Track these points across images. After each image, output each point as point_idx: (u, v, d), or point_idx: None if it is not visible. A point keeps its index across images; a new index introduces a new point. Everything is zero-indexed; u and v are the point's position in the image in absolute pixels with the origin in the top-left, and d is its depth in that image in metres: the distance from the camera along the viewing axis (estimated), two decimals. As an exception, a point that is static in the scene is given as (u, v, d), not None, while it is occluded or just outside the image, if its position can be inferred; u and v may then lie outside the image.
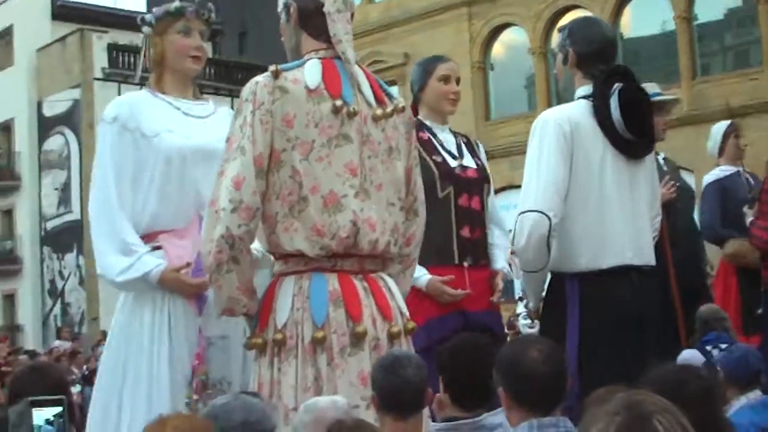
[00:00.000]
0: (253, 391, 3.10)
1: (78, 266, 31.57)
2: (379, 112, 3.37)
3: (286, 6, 3.45)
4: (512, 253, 4.59)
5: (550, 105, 20.56)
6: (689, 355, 4.60)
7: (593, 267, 3.80)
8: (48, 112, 33.13)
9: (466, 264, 4.50)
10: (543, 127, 3.86)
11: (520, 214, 3.80)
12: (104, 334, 23.39)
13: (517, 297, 4.21)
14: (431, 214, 4.23)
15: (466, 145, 4.74)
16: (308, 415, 2.75)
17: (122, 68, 32.31)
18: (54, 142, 32.85)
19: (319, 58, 3.34)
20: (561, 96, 21.46)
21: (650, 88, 5.31)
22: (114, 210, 3.70)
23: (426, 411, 3.17)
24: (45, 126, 33.27)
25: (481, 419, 3.15)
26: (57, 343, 21.58)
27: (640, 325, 3.80)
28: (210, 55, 4.05)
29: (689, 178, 6.13)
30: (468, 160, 4.65)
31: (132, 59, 32.52)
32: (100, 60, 32.19)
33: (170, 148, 3.73)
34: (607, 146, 3.85)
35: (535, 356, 2.73)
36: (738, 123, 6.88)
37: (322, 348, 3.17)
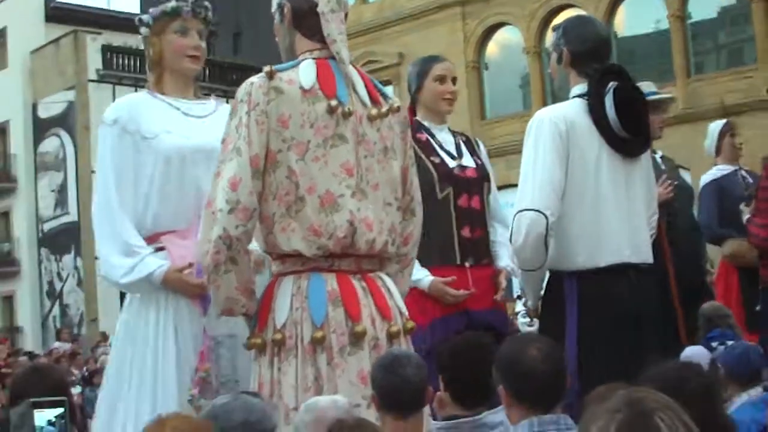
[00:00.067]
0: (253, 390, 3.11)
1: (76, 267, 31.56)
2: (374, 112, 3.37)
3: (280, 6, 3.45)
4: None
5: (545, 104, 20.59)
6: (693, 352, 4.60)
7: (591, 265, 3.80)
8: (43, 114, 33.09)
9: (467, 264, 4.50)
10: (538, 126, 3.87)
11: (517, 213, 3.81)
12: (104, 335, 23.44)
13: (515, 295, 4.20)
14: (431, 216, 4.23)
15: (465, 144, 4.74)
16: (309, 415, 2.75)
17: (116, 70, 32.29)
18: (49, 144, 32.81)
19: (314, 59, 3.34)
20: (556, 95, 21.46)
21: (646, 87, 5.31)
22: (115, 212, 3.71)
23: (427, 409, 3.17)
24: (40, 128, 33.22)
25: (482, 417, 3.16)
26: (57, 344, 21.57)
27: (638, 322, 3.80)
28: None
29: (686, 176, 6.12)
30: (467, 160, 4.65)
31: (126, 60, 32.50)
32: (94, 61, 32.13)
33: (169, 148, 3.73)
34: (602, 145, 3.86)
35: (535, 354, 2.74)
36: (733, 122, 6.87)
37: (322, 348, 3.17)
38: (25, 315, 33.21)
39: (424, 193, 4.11)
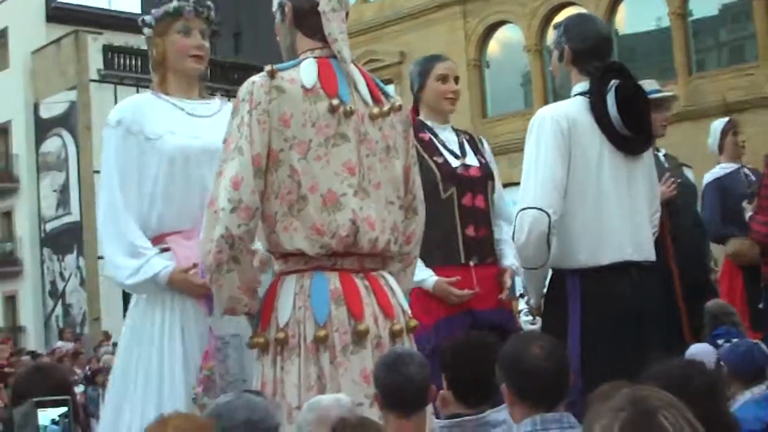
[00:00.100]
0: (256, 389, 3.11)
1: (78, 267, 31.59)
2: (375, 110, 3.37)
3: (281, 6, 3.45)
4: None
5: (546, 102, 20.56)
6: (699, 350, 4.59)
7: (593, 263, 3.80)
8: (45, 114, 33.11)
9: (472, 263, 4.50)
10: (540, 124, 3.87)
11: (519, 212, 3.81)
12: (106, 334, 23.45)
13: (518, 294, 4.19)
14: (435, 215, 4.23)
15: (469, 143, 4.73)
16: (312, 414, 2.75)
17: (118, 69, 32.31)
18: (51, 144, 32.83)
19: (315, 58, 3.34)
20: (557, 93, 21.46)
21: (649, 85, 5.31)
22: (120, 214, 3.72)
23: (429, 408, 3.17)
24: (42, 128, 33.24)
25: (485, 416, 3.15)
26: (59, 343, 21.61)
27: (640, 320, 3.81)
28: (206, 55, 4.04)
29: (689, 174, 6.11)
30: (471, 159, 4.64)
31: (128, 60, 32.51)
32: (95, 61, 32.15)
33: (173, 149, 3.73)
34: (604, 142, 3.86)
35: (537, 353, 2.73)
36: (736, 120, 6.87)
37: (325, 346, 3.17)
38: (28, 315, 33.23)
39: (428, 192, 4.10)
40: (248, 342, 3.34)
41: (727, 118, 6.80)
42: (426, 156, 4.49)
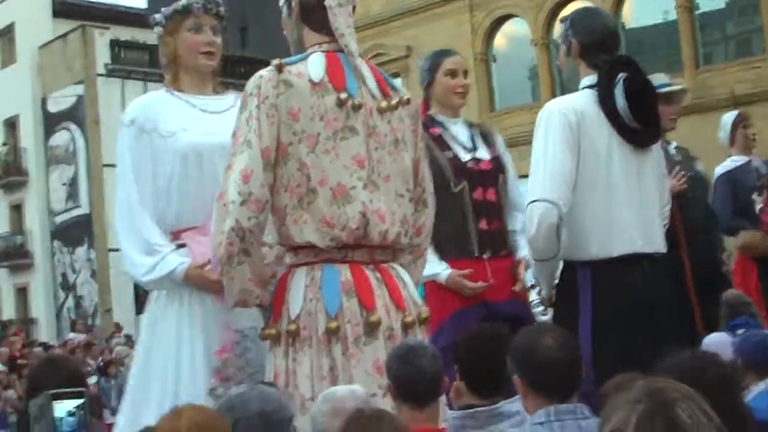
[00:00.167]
0: (269, 381, 3.12)
1: (89, 259, 31.71)
2: (384, 104, 3.38)
3: (288, 0, 3.46)
4: None
5: (553, 95, 20.53)
6: (716, 339, 4.57)
7: (604, 255, 3.80)
8: (52, 108, 33.18)
9: (485, 256, 4.51)
10: (548, 117, 3.87)
11: (529, 204, 3.81)
12: (117, 326, 23.53)
13: (529, 285, 4.19)
14: (448, 210, 4.25)
15: (480, 136, 4.74)
16: (326, 405, 2.76)
17: (125, 64, 32.35)
18: (60, 138, 32.92)
19: (323, 52, 3.35)
20: (564, 86, 21.43)
21: (659, 78, 5.30)
22: (136, 211, 3.75)
23: (443, 399, 3.18)
24: (50, 122, 33.33)
25: (499, 407, 3.16)
26: (71, 335, 21.71)
27: (652, 312, 3.80)
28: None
29: (700, 166, 6.09)
30: (482, 152, 4.65)
31: (134, 55, 32.55)
32: (102, 56, 32.21)
33: (185, 146, 3.74)
34: (613, 135, 3.85)
35: (550, 344, 2.73)
36: (746, 112, 6.85)
37: (337, 338, 3.18)
38: (39, 306, 33.39)
39: (439, 187, 4.11)
40: (260, 333, 3.35)
41: (737, 111, 6.78)
42: (436, 151, 4.50)
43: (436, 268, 4.43)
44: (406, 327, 3.32)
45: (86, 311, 31.41)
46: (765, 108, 19.00)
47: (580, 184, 3.80)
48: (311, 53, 3.35)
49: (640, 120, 3.87)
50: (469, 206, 4.51)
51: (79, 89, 32.06)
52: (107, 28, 32.72)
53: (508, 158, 4.77)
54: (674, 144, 5.61)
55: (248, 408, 2.47)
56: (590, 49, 3.96)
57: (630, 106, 3.83)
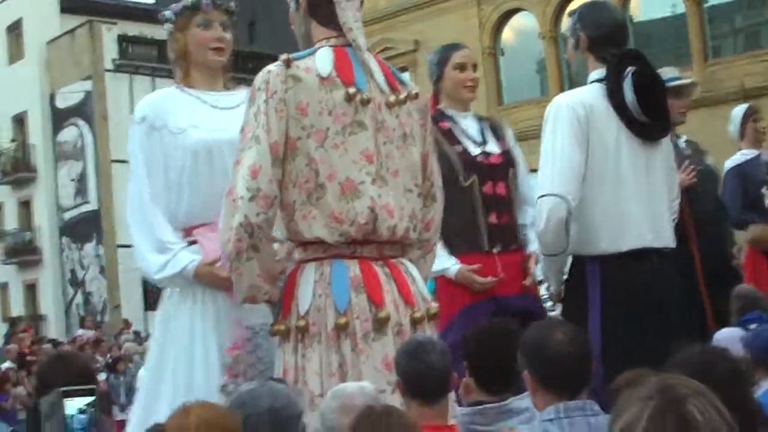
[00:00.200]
0: (278, 377, 3.12)
1: (98, 256, 31.76)
2: (392, 98, 3.37)
3: (295, -6, 3.46)
4: None
5: (561, 89, 20.49)
6: (728, 334, 4.55)
7: (613, 250, 3.80)
8: (61, 104, 33.22)
9: (495, 250, 4.51)
10: (557, 111, 3.86)
11: (538, 199, 3.81)
12: (126, 322, 23.54)
13: (539, 279, 4.19)
14: (457, 204, 4.25)
15: (490, 130, 4.73)
16: (336, 401, 2.76)
17: (133, 59, 32.39)
18: (68, 134, 32.96)
19: (331, 46, 3.34)
20: (573, 80, 21.40)
21: (669, 72, 5.29)
22: (147, 209, 3.77)
23: (452, 395, 3.18)
24: (58, 118, 33.37)
25: (508, 403, 3.15)
26: (80, 331, 21.73)
27: (661, 307, 3.80)
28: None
29: (710, 160, 6.07)
30: (491, 146, 4.64)
31: (142, 50, 32.57)
32: (110, 51, 32.26)
33: (196, 143, 3.75)
34: (621, 129, 3.84)
35: (561, 338, 2.73)
36: (756, 106, 6.82)
37: (346, 334, 3.18)
38: (48, 303, 33.46)
39: (449, 181, 4.11)
40: (269, 329, 3.34)
41: (747, 104, 6.75)
42: (446, 145, 4.49)
43: (445, 263, 4.43)
44: (415, 322, 3.31)
45: (95, 307, 31.47)
46: (774, 101, 18.93)
47: (589, 178, 3.80)
48: (319, 48, 3.34)
49: (648, 114, 3.86)
50: (478, 200, 4.51)
51: (87, 85, 32.10)
52: (115, 24, 32.75)
53: (518, 152, 4.76)
54: (684, 138, 5.59)
55: (258, 404, 2.48)
56: (598, 42, 3.95)
57: (639, 100, 3.82)
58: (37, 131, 33.95)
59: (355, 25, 3.35)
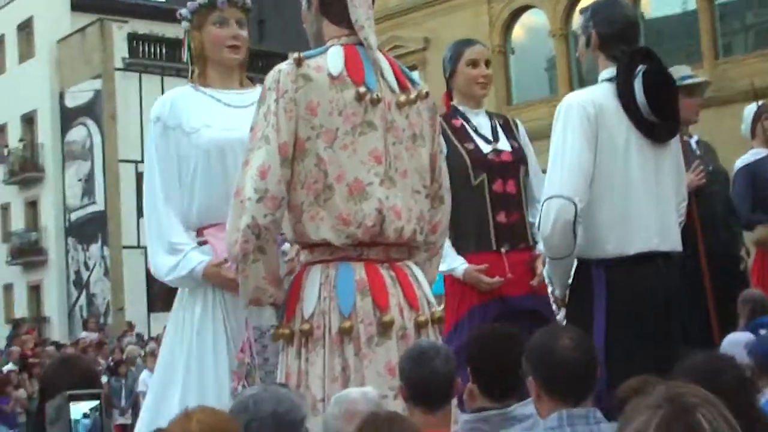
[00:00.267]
0: (281, 382, 3.11)
1: (103, 257, 31.77)
2: (402, 98, 3.36)
3: (307, -7, 3.45)
4: None
5: (571, 88, 20.44)
6: (736, 339, 4.52)
7: (619, 253, 3.77)
8: (70, 103, 33.28)
9: (504, 250, 4.49)
10: (567, 111, 3.84)
11: (545, 200, 3.79)
12: (130, 324, 23.57)
13: (547, 279, 4.18)
14: (466, 202, 4.25)
15: (503, 127, 4.71)
16: (338, 407, 2.75)
17: (143, 58, 32.46)
18: (77, 133, 32.99)
19: (342, 45, 3.33)
20: (583, 78, 21.33)
21: (682, 70, 5.27)
22: (160, 210, 3.81)
23: (454, 400, 3.15)
24: (67, 117, 33.42)
25: (512, 410, 3.13)
26: (83, 334, 21.76)
27: (667, 311, 3.77)
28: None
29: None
30: (503, 143, 4.61)
31: (152, 49, 32.63)
32: (120, 50, 32.30)
33: (208, 142, 3.77)
34: (631, 129, 3.82)
35: (567, 344, 2.71)
36: (767, 104, 6.78)
37: (350, 338, 3.17)
38: (52, 304, 33.48)
39: (459, 179, 4.10)
40: (272, 333, 3.33)
41: (759, 103, 6.72)
42: (457, 142, 4.49)
43: (453, 262, 4.43)
44: (419, 326, 3.30)
45: (98, 309, 31.46)
46: (785, 100, 18.83)
47: (597, 178, 3.77)
48: (330, 46, 3.34)
49: (658, 114, 3.83)
50: (487, 199, 4.49)
51: (97, 84, 32.15)
52: (126, 22, 32.79)
53: (530, 150, 4.74)
54: (696, 137, 5.56)
55: (261, 409, 2.47)
56: (610, 40, 3.93)
57: (648, 100, 3.80)
58: (45, 131, 34.02)
59: (366, 23, 3.34)
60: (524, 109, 24.41)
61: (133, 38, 32.60)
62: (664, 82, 3.93)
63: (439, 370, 2.94)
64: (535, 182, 4.63)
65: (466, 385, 3.24)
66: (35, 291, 34.52)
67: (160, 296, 29.61)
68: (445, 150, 4.08)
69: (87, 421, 2.21)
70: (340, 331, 3.17)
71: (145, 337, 23.10)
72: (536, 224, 4.54)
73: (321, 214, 3.22)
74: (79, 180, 32.78)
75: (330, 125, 3.21)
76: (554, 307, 4.29)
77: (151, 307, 30.26)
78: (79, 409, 2.22)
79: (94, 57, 32.33)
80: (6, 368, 15.76)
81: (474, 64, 4.68)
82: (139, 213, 28.97)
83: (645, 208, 3.82)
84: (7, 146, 35.49)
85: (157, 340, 18.52)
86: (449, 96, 4.75)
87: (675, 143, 4.06)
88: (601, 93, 3.88)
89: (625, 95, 3.83)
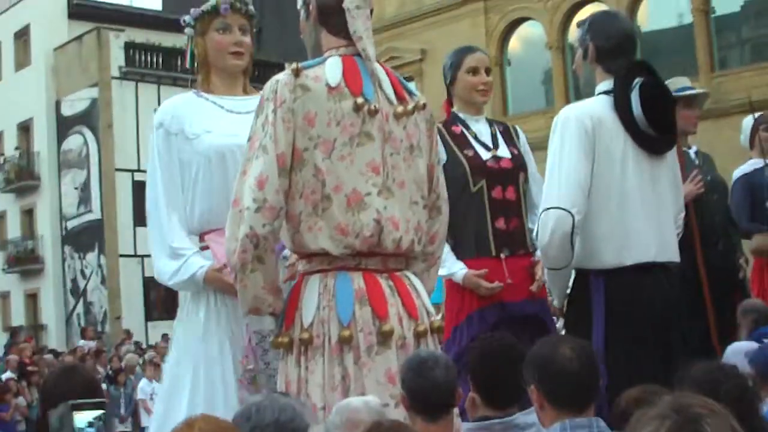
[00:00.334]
0: (281, 390, 3.12)
1: (99, 265, 31.70)
2: (400, 109, 3.36)
3: (306, 3, 3.46)
4: None
5: (567, 100, 20.48)
6: (740, 348, 4.52)
7: (617, 264, 3.78)
8: (66, 111, 33.24)
9: (503, 255, 4.51)
10: (564, 123, 3.85)
11: (542, 211, 3.80)
12: (127, 333, 23.52)
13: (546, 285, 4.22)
14: (466, 208, 4.27)
15: (502, 134, 4.73)
16: (340, 416, 2.75)
17: (139, 67, 32.44)
18: (73, 142, 32.94)
19: (340, 56, 3.34)
20: (579, 91, 21.32)
21: (680, 81, 5.29)
22: (162, 216, 3.83)
23: (456, 409, 3.16)
24: (63, 125, 33.37)
25: (514, 419, 3.14)
26: (81, 342, 21.73)
27: (665, 322, 3.78)
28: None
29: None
30: (503, 150, 4.64)
31: (149, 58, 32.63)
32: (117, 59, 32.28)
33: (208, 148, 3.78)
34: (628, 142, 3.83)
35: (568, 354, 2.72)
36: (766, 115, 6.80)
37: (349, 347, 3.17)
38: (50, 313, 33.37)
39: (458, 186, 4.12)
40: (272, 341, 3.33)
41: (758, 114, 6.74)
42: (456, 149, 4.52)
43: (452, 267, 4.46)
44: (419, 336, 3.30)
45: (95, 318, 31.41)
46: (781, 113, 18.84)
47: (594, 191, 3.79)
48: (328, 57, 3.34)
49: (655, 127, 3.85)
50: (486, 205, 4.51)
51: (94, 92, 32.13)
52: (122, 30, 32.78)
53: (530, 157, 4.76)
54: (695, 148, 5.58)
55: (264, 417, 2.47)
56: (607, 53, 3.95)
57: (645, 113, 3.81)
58: (42, 139, 33.93)
59: (365, 34, 3.34)
60: (520, 121, 24.32)
61: (129, 47, 32.58)
62: (661, 95, 3.94)
63: (440, 379, 2.94)
64: (535, 189, 4.64)
65: (468, 394, 3.25)
66: (32, 299, 34.41)
67: (158, 305, 29.65)
68: (443, 160, 4.11)
69: (91, 430, 2.21)
70: (339, 340, 3.17)
71: (143, 346, 23.07)
72: (534, 232, 4.58)
73: (319, 224, 3.22)
74: (76, 188, 32.71)
75: (328, 136, 3.21)
76: (553, 318, 4.31)
77: (149, 316, 30.26)
78: (83, 419, 2.22)
79: (91, 65, 32.30)
80: (5, 376, 15.75)
81: (474, 71, 4.70)
82: (136, 222, 29.00)
83: (642, 219, 3.83)
84: (3, 154, 35.42)
85: (156, 348, 18.50)
86: (450, 103, 4.77)
87: (672, 155, 4.07)
88: (598, 105, 3.89)
89: (622, 108, 3.84)
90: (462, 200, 4.35)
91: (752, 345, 4.56)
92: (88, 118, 32.27)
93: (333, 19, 3.38)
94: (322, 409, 3.09)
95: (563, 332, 4.07)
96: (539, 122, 20.92)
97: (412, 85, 3.66)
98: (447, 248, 4.21)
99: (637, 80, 3.84)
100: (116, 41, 32.34)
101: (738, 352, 4.35)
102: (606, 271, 3.79)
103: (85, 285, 32.29)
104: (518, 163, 4.64)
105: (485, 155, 4.58)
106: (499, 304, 4.47)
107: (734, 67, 22.46)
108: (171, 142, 3.85)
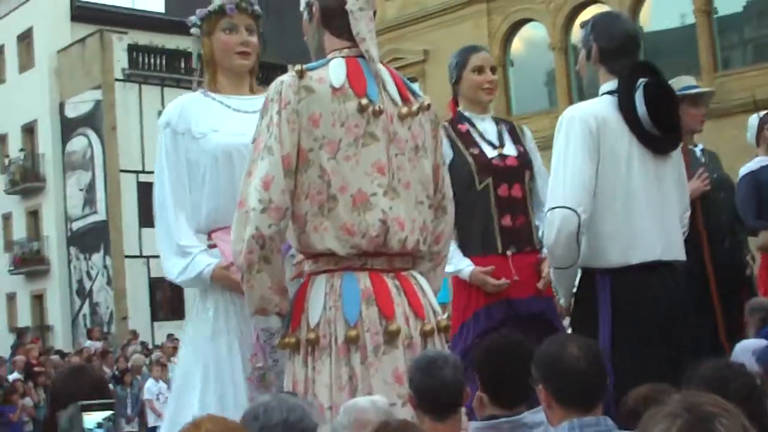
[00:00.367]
0: (288, 390, 3.12)
1: (105, 266, 31.78)
2: (404, 110, 3.37)
3: (309, 5, 3.46)
4: None
5: (570, 101, 20.48)
6: (749, 345, 4.51)
7: (623, 263, 3.79)
8: (70, 113, 33.29)
9: (509, 253, 4.52)
10: (569, 123, 3.86)
11: (548, 211, 3.81)
12: (134, 333, 23.52)
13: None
14: (472, 206, 4.28)
15: (508, 132, 4.75)
16: (348, 416, 2.75)
17: (142, 69, 32.48)
18: (77, 143, 33.00)
19: (343, 57, 3.34)
20: (582, 92, 21.35)
21: (686, 81, 5.29)
22: (170, 214, 3.84)
23: (464, 408, 3.16)
24: (68, 127, 33.43)
25: (522, 417, 3.14)
26: (88, 343, 21.74)
27: (671, 320, 3.79)
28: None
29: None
30: (509, 148, 4.65)
31: (152, 60, 32.66)
32: (120, 61, 32.32)
33: (215, 147, 3.79)
34: (633, 141, 3.84)
35: (576, 353, 2.72)
36: None
37: (356, 347, 3.17)
38: (56, 313, 33.45)
39: (464, 184, 4.13)
40: (278, 342, 3.33)
41: (764, 112, 6.73)
42: (462, 147, 4.54)
43: (459, 263, 4.47)
44: (425, 335, 3.31)
45: (102, 318, 31.49)
46: (784, 113, 18.81)
47: (600, 191, 3.79)
48: (332, 58, 3.35)
49: (660, 127, 3.85)
50: (493, 203, 4.52)
51: (97, 94, 32.18)
52: (125, 33, 32.82)
53: (536, 155, 4.77)
54: (701, 146, 5.59)
55: (272, 417, 2.47)
56: (610, 54, 3.95)
57: (649, 113, 3.82)
58: (46, 141, 34.01)
59: (368, 35, 3.35)
60: (524, 122, 24.21)
61: (132, 49, 32.62)
62: (665, 94, 3.95)
63: (448, 379, 2.95)
64: (541, 183, 4.65)
65: (475, 393, 3.25)
66: (38, 300, 34.48)
67: (163, 305, 29.70)
68: (448, 160, 4.12)
69: (101, 430, 2.22)
70: (346, 340, 3.17)
71: (150, 346, 23.08)
72: (541, 231, 4.58)
73: (325, 224, 3.22)
74: (80, 190, 32.77)
75: (332, 137, 3.22)
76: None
77: (155, 316, 30.31)
78: (92, 420, 2.23)
79: (94, 68, 32.34)
80: (12, 377, 15.78)
81: (479, 70, 4.72)
82: (141, 222, 29.05)
83: (648, 218, 3.83)
84: (8, 156, 35.50)
85: (162, 348, 18.51)
86: (455, 102, 4.79)
87: (677, 154, 4.08)
88: (602, 105, 3.90)
89: (626, 108, 3.85)
90: (468, 198, 4.37)
91: (761, 343, 4.56)
92: (92, 120, 32.33)
93: (336, 21, 3.38)
94: (330, 409, 3.09)
95: (570, 331, 4.07)
96: (542, 123, 20.88)
97: (417, 87, 3.66)
98: (453, 245, 4.22)
99: (641, 80, 3.85)
100: (119, 43, 32.39)
101: (746, 350, 4.35)
102: (612, 270, 3.80)
103: (91, 286, 32.37)
104: (524, 161, 4.66)
105: (491, 153, 4.59)
106: (505, 300, 4.48)
107: (737, 67, 22.45)
108: (178, 142, 3.86)
